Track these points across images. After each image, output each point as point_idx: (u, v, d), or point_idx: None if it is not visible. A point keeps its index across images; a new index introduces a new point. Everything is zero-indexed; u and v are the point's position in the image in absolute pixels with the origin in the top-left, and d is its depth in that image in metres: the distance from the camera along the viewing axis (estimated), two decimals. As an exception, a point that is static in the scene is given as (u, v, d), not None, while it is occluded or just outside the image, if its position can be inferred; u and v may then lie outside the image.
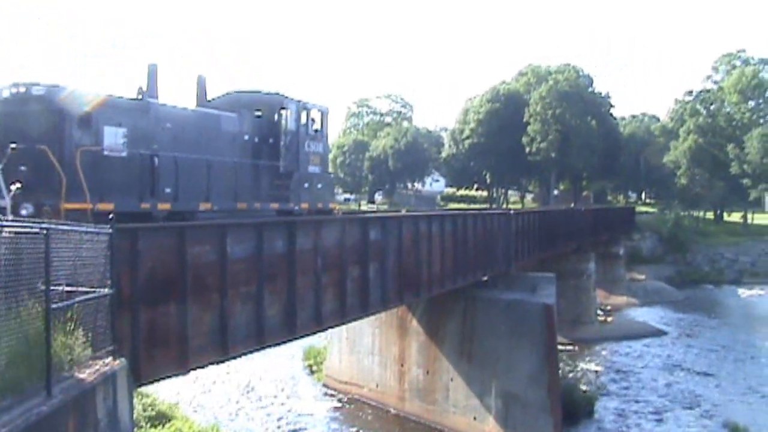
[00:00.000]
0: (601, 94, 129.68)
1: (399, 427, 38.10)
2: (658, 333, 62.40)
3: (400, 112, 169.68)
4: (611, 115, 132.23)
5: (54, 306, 10.77)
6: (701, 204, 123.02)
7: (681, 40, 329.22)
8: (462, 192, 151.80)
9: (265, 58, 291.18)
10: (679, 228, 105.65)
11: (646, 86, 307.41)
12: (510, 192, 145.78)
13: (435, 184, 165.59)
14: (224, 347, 18.28)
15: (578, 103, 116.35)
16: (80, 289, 12.04)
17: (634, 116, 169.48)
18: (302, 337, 23.62)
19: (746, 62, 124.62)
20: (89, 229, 12.68)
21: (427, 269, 30.82)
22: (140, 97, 23.02)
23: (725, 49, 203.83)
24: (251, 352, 20.46)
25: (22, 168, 18.73)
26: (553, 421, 33.54)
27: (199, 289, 17.31)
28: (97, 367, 12.29)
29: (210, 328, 17.83)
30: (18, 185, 17.46)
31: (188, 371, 17.55)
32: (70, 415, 10.64)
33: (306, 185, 31.08)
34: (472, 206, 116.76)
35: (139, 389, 23.83)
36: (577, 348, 55.40)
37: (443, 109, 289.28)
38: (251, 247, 19.34)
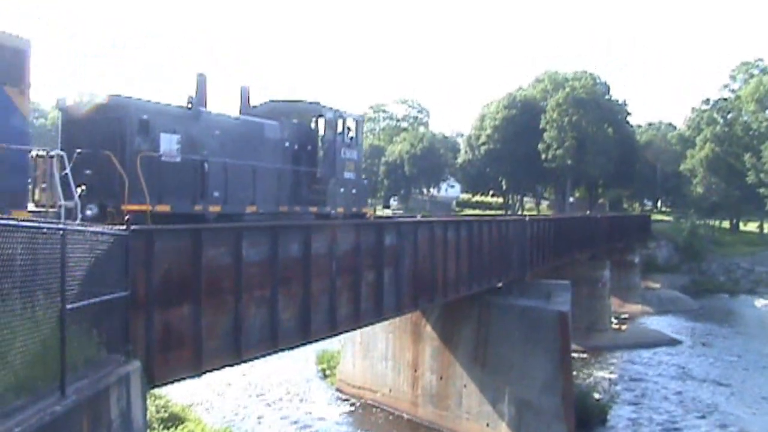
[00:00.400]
0: (617, 101, 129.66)
1: (411, 433, 38.13)
2: (673, 342, 62.26)
3: (417, 117, 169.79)
4: (628, 122, 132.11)
5: (69, 307, 10.78)
6: (717, 213, 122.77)
7: (699, 48, 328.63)
8: (477, 198, 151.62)
9: (263, 61, 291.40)
10: (695, 237, 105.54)
11: (664, 94, 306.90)
12: (525, 198, 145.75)
13: (450, 190, 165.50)
14: (238, 350, 18.29)
15: (595, 110, 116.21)
16: (96, 290, 12.07)
17: (650, 124, 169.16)
18: (316, 341, 23.69)
19: (764, 71, 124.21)
20: (105, 231, 12.71)
21: (441, 275, 30.81)
22: (190, 105, 24.38)
23: (743, 57, 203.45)
24: (265, 355, 20.46)
25: (87, 171, 19.70)
26: (567, 429, 33.50)
27: (213, 292, 17.33)
28: (111, 368, 12.31)
29: (224, 331, 17.85)
30: (83, 187, 18.43)
31: (202, 374, 17.58)
32: (84, 415, 10.67)
33: (342, 190, 32.20)
34: (488, 212, 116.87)
35: (153, 391, 23.85)
36: (591, 355, 55.30)
37: (459, 114, 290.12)
38: (266, 250, 19.36)
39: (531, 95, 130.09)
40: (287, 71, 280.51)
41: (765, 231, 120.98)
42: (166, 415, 31.91)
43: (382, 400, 40.93)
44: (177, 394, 35.98)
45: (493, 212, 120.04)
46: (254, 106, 31.38)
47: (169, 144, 23.12)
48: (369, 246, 25.26)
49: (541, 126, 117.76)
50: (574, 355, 43.99)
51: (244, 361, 19.58)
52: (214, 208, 24.09)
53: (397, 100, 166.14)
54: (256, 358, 20.24)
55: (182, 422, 31.96)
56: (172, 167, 22.99)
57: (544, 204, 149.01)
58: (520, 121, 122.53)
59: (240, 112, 29.48)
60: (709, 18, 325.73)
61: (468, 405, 36.67)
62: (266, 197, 27.19)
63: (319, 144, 32.00)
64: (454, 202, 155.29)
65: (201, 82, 25.62)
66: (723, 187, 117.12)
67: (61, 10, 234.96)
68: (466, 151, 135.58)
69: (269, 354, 20.58)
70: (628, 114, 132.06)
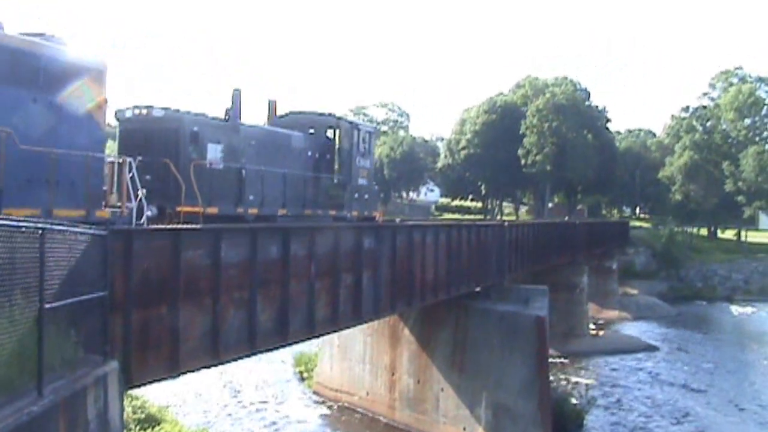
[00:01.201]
0: (597, 108, 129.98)
1: (388, 436, 38.14)
2: (650, 348, 62.50)
3: (397, 120, 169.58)
4: (607, 129, 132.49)
5: (47, 306, 10.76)
6: (695, 220, 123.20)
7: (679, 56, 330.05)
8: (457, 202, 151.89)
9: (263, 61, 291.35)
10: (673, 244, 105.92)
11: (643, 102, 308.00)
12: (504, 203, 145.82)
13: (430, 194, 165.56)
14: (216, 352, 18.28)
15: (575, 116, 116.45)
16: (74, 290, 12.05)
17: (630, 131, 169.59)
18: (294, 343, 23.73)
19: (743, 80, 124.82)
20: (84, 230, 12.69)
21: (420, 279, 30.86)
22: (227, 117, 28.08)
23: (723, 66, 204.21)
24: (243, 357, 20.45)
25: (147, 177, 22.19)
26: (543, 434, 33.59)
27: (192, 293, 17.31)
28: (89, 368, 12.28)
29: (202, 332, 17.82)
30: (144, 191, 20.77)
31: (179, 375, 17.55)
32: (61, 415, 10.64)
33: (356, 195, 36.21)
34: (467, 217, 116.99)
35: (130, 391, 23.80)
36: (568, 361, 55.44)
37: (440, 118, 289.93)
38: (245, 252, 19.36)
39: (511, 100, 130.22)
40: (285, 74, 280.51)
41: (742, 239, 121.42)
42: (143, 416, 31.79)
43: (360, 403, 40.93)
44: (154, 395, 35.91)
45: (472, 217, 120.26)
46: (280, 116, 35.73)
47: (214, 153, 26.76)
48: (348, 249, 25.30)
49: (521, 131, 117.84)
50: (552, 360, 44.08)
51: (222, 363, 19.56)
52: (253, 211, 28.05)
53: (377, 104, 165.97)
54: (234, 359, 20.24)
55: (159, 423, 31.85)
56: (217, 173, 26.65)
57: (523, 209, 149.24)
58: (500, 127, 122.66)
59: (268, 123, 33.79)
60: (690, 26, 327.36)
61: (445, 409, 36.70)
62: (294, 201, 31.11)
63: (337, 153, 35.82)
64: (433, 207, 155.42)
65: (236, 97, 28.82)
66: (701, 195, 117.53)
67: (60, 10, 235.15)
68: (445, 156, 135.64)
69: (247, 356, 20.57)
70: (608, 120, 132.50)
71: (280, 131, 32.67)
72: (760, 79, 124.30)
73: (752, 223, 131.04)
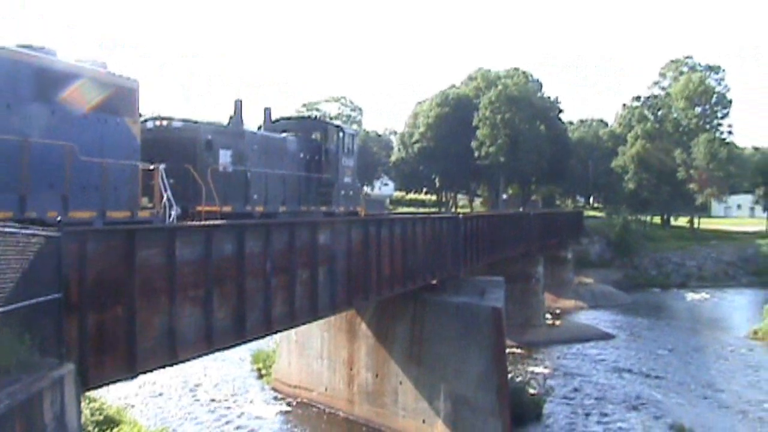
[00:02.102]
0: (550, 99, 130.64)
1: (348, 431, 38.11)
2: (606, 336, 62.94)
3: (350, 115, 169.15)
4: (560, 119, 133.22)
5: (0, 309, 10.68)
6: (649, 209, 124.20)
7: (629, 45, 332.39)
8: (411, 196, 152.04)
9: (216, 58, 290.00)
10: (627, 232, 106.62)
11: (595, 91, 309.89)
12: (459, 196, 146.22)
13: (384, 188, 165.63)
14: (173, 351, 18.19)
15: (527, 107, 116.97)
16: (28, 292, 11.96)
17: (582, 121, 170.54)
18: (251, 340, 23.61)
19: (693, 68, 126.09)
20: (36, 232, 12.60)
21: (376, 273, 30.86)
22: (229, 124, 32.88)
23: (672, 55, 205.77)
24: (200, 355, 20.36)
25: (171, 181, 25.31)
26: (502, 424, 33.67)
27: (147, 293, 17.21)
28: (45, 371, 12.20)
29: (158, 332, 17.73)
30: (169, 193, 24.52)
31: (136, 375, 17.45)
32: (17, 420, 10.54)
33: (342, 193, 41.34)
34: (422, 210, 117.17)
35: (87, 393, 23.66)
36: (525, 351, 55.74)
37: (393, 112, 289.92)
38: (200, 250, 19.26)
39: (464, 93, 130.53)
40: (228, 69, 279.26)
41: (695, 226, 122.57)
42: (101, 417, 31.52)
43: (319, 398, 40.91)
44: (112, 396, 35.69)
45: (427, 210, 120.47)
46: (273, 121, 40.36)
47: (225, 158, 30.78)
48: (303, 244, 25.27)
49: (474, 124, 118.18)
50: (509, 350, 44.32)
51: (180, 362, 19.43)
52: (259, 208, 32.36)
53: (329, 98, 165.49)
54: (192, 358, 20.12)
55: (118, 425, 31.61)
56: (228, 176, 30.66)
57: (478, 201, 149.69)
58: (453, 119, 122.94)
59: (264, 129, 37.84)
60: (640, 16, 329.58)
61: (404, 402, 36.76)
62: (291, 199, 35.98)
63: (324, 154, 39.89)
64: (387, 200, 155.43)
65: (238, 106, 33.70)
66: (654, 183, 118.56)
67: (60, 12, 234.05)
68: (399, 149, 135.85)
69: (205, 354, 20.47)
70: (561, 111, 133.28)
71: (277, 136, 37.05)
72: (710, 68, 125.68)
73: (705, 211, 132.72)
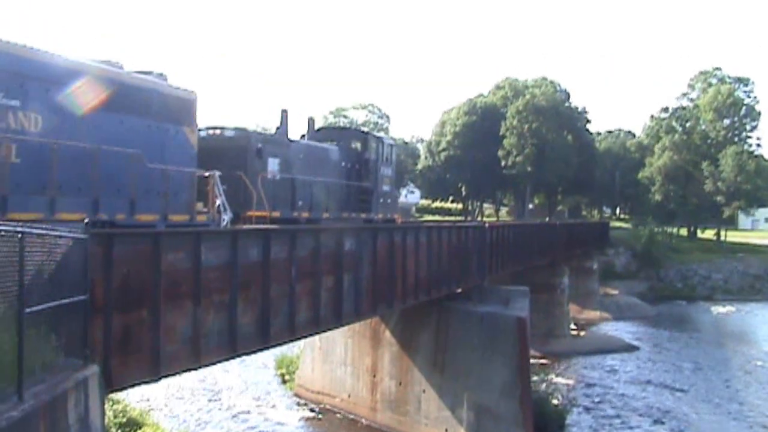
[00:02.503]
0: (577, 108, 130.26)
1: (370, 438, 38.13)
2: (630, 348, 62.68)
3: (377, 122, 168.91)
4: (587, 130, 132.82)
5: (27, 310, 10.73)
6: (675, 220, 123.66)
7: (659, 56, 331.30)
8: (437, 204, 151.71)
9: (245, 61, 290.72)
10: (653, 244, 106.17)
11: (623, 102, 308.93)
12: (485, 205, 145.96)
13: (410, 196, 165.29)
14: (197, 355, 18.23)
15: (554, 117, 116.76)
16: (55, 293, 12.01)
17: (610, 132, 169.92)
18: (275, 346, 23.67)
19: (722, 80, 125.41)
20: (64, 234, 12.65)
21: (401, 281, 30.85)
22: (275, 134, 34.79)
23: (701, 66, 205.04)
24: (224, 360, 20.42)
25: (223, 187, 26.20)
26: (525, 434, 33.63)
27: (172, 297, 17.26)
28: (69, 372, 12.25)
29: (183, 336, 17.78)
30: (222, 198, 25.86)
31: (160, 378, 17.50)
32: (41, 420, 10.59)
33: (381, 200, 42.72)
34: (447, 218, 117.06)
35: (111, 395, 23.75)
36: (549, 361, 55.53)
37: (420, 120, 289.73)
38: (225, 255, 19.30)
39: (491, 102, 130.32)
40: (264, 75, 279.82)
41: (722, 238, 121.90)
42: (124, 419, 31.70)
43: (341, 405, 40.91)
44: (135, 398, 35.82)
45: (452, 218, 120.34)
46: (317, 130, 42.54)
47: (273, 165, 32.37)
48: (329, 251, 25.29)
49: (501, 133, 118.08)
50: (533, 360, 44.08)
51: (203, 366, 19.50)
52: (304, 214, 33.91)
53: (357, 105, 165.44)
54: (215, 362, 20.19)
55: (140, 427, 31.80)
56: (276, 183, 32.14)
57: (504, 210, 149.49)
58: (480, 128, 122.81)
59: (307, 138, 39.07)
60: (669, 27, 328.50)
61: (427, 410, 36.71)
62: (334, 206, 37.14)
63: (366, 164, 41.22)
64: (413, 208, 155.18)
65: (284, 116, 35.57)
66: (681, 195, 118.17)
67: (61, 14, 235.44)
68: (426, 157, 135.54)
69: (228, 359, 20.53)
70: (588, 121, 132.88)
71: (321, 146, 38.64)
72: (739, 80, 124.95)
73: (731, 223, 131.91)
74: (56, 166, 19.12)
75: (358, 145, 42.24)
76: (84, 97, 20.68)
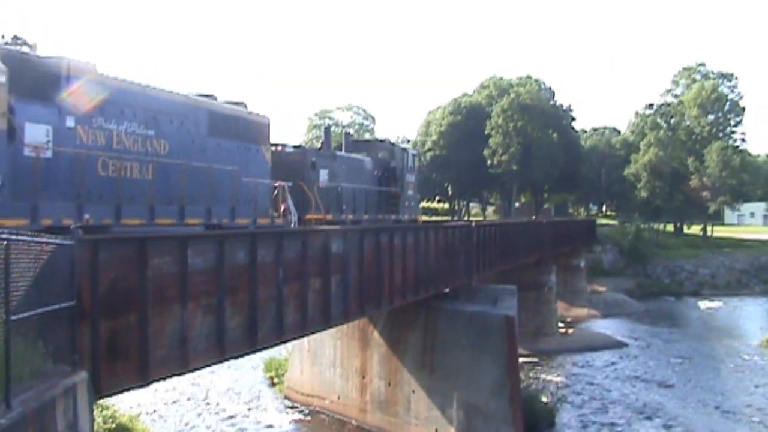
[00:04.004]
0: (562, 106, 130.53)
1: (360, 440, 38.12)
2: (619, 345, 62.80)
3: (362, 123, 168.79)
4: (572, 127, 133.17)
5: (13, 318, 10.70)
6: (661, 216, 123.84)
7: (643, 53, 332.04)
8: (423, 204, 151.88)
9: (231, 64, 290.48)
10: (640, 240, 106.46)
11: (608, 100, 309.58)
12: (471, 204, 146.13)
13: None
14: (185, 359, 18.21)
15: (540, 115, 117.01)
16: (41, 300, 11.98)
17: (595, 129, 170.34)
18: (264, 349, 23.73)
19: (706, 76, 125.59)
20: (50, 240, 12.63)
21: (388, 281, 30.88)
22: (321, 148, 41.38)
23: (685, 62, 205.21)
24: (212, 364, 20.40)
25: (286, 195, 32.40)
26: (515, 433, 33.68)
27: (160, 301, 17.24)
28: (58, 379, 12.22)
29: (171, 340, 17.76)
30: (288, 203, 32.29)
31: (149, 383, 17.48)
32: (30, 427, 10.56)
33: (407, 203, 48.36)
34: (434, 218, 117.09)
35: (100, 401, 23.70)
36: (538, 359, 55.63)
37: (405, 121, 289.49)
38: (212, 258, 19.29)
39: (476, 101, 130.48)
40: (248, 78, 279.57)
41: (708, 234, 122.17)
42: (114, 425, 31.63)
43: (331, 407, 40.91)
44: (124, 404, 35.75)
45: (439, 218, 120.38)
46: (354, 141, 51.06)
47: (323, 176, 37.78)
48: (316, 253, 25.31)
49: (486, 132, 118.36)
50: (522, 359, 44.20)
51: (192, 370, 19.50)
52: (349, 216, 39.24)
53: (342, 107, 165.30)
54: (204, 366, 20.16)
55: (130, 433, 31.77)
56: (326, 190, 37.43)
57: (490, 209, 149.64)
58: (465, 127, 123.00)
59: (345, 150, 44.65)
60: (652, 23, 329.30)
61: (416, 411, 36.73)
62: (371, 209, 42.81)
63: (394, 172, 46.82)
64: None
65: (328, 132, 43.99)
66: (667, 191, 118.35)
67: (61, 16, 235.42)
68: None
69: (217, 362, 20.52)
70: (573, 119, 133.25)
71: (358, 157, 44.00)
72: (723, 75, 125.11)
73: (718, 218, 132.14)
74: (184, 181, 24.83)
75: (386, 155, 47.74)
76: (193, 125, 26.50)
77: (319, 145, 46.95)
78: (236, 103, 30.53)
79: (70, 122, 20.84)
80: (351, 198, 40.42)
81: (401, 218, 46.74)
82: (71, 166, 20.59)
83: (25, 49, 20.71)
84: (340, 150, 44.97)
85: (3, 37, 20.46)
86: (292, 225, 31.81)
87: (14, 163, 18.69)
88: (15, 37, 20.63)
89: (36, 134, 19.56)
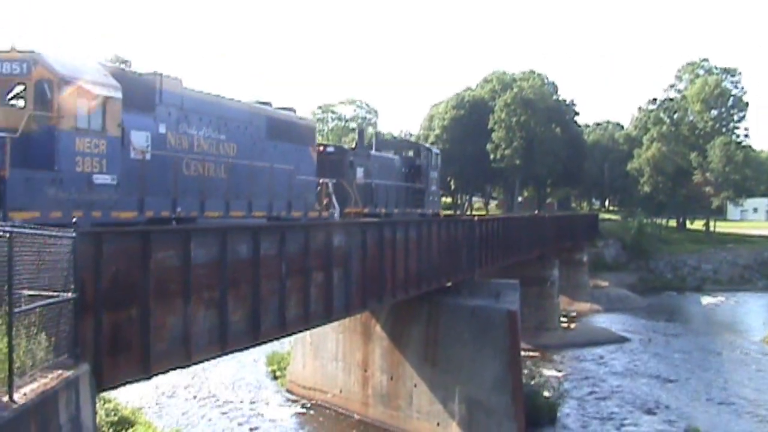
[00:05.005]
0: (565, 101, 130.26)
1: (362, 433, 38.13)
2: (621, 340, 62.83)
3: (365, 117, 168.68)
4: (575, 122, 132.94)
5: (16, 310, 10.71)
6: (664, 212, 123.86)
7: (646, 48, 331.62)
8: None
9: (233, 57, 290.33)
10: (642, 235, 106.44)
11: (611, 94, 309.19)
12: (474, 198, 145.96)
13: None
14: (187, 353, 18.23)
15: (543, 110, 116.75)
16: (43, 293, 11.99)
17: (598, 124, 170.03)
18: (266, 342, 23.70)
19: (709, 71, 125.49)
20: (53, 233, 12.63)
21: (390, 275, 30.90)
22: (355, 147, 44.12)
23: (688, 57, 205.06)
24: (214, 357, 20.40)
25: (330, 191, 35.90)
26: (517, 427, 33.70)
27: (162, 294, 17.25)
28: (60, 372, 12.22)
29: (173, 334, 17.77)
30: (330, 198, 35.88)
31: (151, 376, 17.49)
32: (32, 420, 10.57)
33: (430, 198, 52.11)
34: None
35: (102, 394, 23.72)
36: (540, 354, 55.64)
37: (408, 115, 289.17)
38: (215, 252, 19.30)
39: (479, 95, 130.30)
40: (252, 72, 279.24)
41: (711, 229, 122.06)
42: (116, 418, 31.64)
43: (333, 400, 40.92)
44: (127, 397, 35.77)
45: (442, 212, 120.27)
46: (384, 140, 58.79)
47: (359, 173, 41.05)
48: (318, 247, 25.32)
49: (489, 126, 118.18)
50: (524, 353, 44.16)
51: (194, 364, 19.50)
52: (383, 210, 42.66)
53: (345, 101, 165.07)
54: (206, 360, 20.19)
55: (132, 426, 31.72)
56: (362, 186, 40.66)
57: (493, 204, 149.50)
58: (468, 122, 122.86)
59: (375, 149, 48.30)
60: (656, 18, 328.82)
61: (418, 404, 36.75)
62: (400, 203, 46.42)
63: (419, 168, 50.50)
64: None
65: (361, 134, 50.09)
66: (670, 186, 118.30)
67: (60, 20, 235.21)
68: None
69: (219, 356, 20.51)
70: (576, 114, 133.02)
71: (387, 156, 48.14)
72: (726, 71, 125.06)
73: (720, 214, 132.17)
74: (252, 179, 28.24)
75: (411, 153, 52.30)
76: (254, 129, 29.92)
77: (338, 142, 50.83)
78: (287, 109, 34.38)
79: (162, 129, 24.42)
80: (383, 193, 43.83)
81: (426, 212, 50.00)
82: (165, 167, 23.96)
83: (123, 65, 25.01)
84: (371, 149, 48.35)
85: (107, 57, 25.15)
86: (335, 217, 35.19)
87: (125, 165, 21.80)
88: (117, 57, 26.25)
89: (139, 140, 23.12)
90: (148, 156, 23.23)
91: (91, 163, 20.28)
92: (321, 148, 38.87)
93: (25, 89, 19.54)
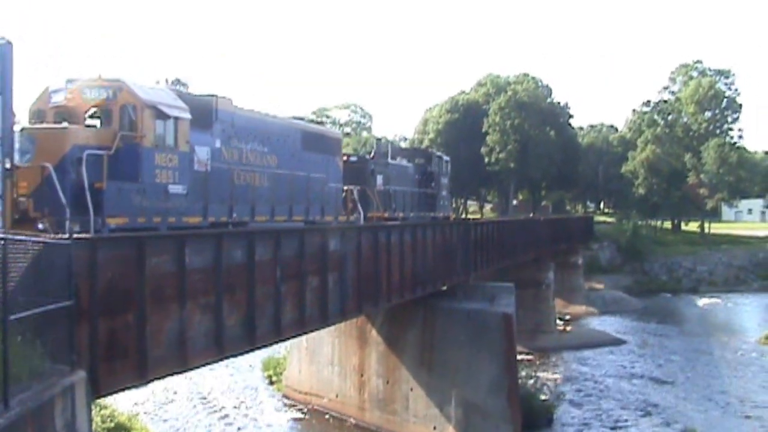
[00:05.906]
0: (559, 104, 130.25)
1: (359, 438, 38.12)
2: (617, 342, 62.84)
3: (360, 122, 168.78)
4: (570, 125, 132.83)
5: (12, 317, 10.71)
6: (659, 213, 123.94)
7: (640, 50, 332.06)
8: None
9: (228, 61, 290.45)
10: (637, 237, 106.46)
11: (605, 97, 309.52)
12: (469, 202, 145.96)
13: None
14: (183, 358, 18.24)
15: (537, 113, 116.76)
16: (39, 299, 11.98)
17: (592, 126, 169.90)
18: (262, 347, 23.72)
19: (703, 73, 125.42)
20: (48, 240, 12.65)
21: (386, 279, 30.93)
22: (373, 156, 45.76)
23: (682, 59, 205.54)
24: (211, 362, 20.44)
25: (354, 197, 38.57)
26: (513, 430, 33.74)
27: (157, 300, 17.26)
28: (56, 378, 12.22)
29: (169, 339, 17.78)
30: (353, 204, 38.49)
31: (147, 382, 17.51)
32: (28, 427, 10.57)
33: (441, 203, 54.54)
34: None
35: (98, 400, 23.70)
36: (536, 357, 55.67)
37: (402, 119, 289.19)
38: (210, 257, 19.33)
39: (473, 99, 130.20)
40: (246, 78, 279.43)
41: (706, 231, 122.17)
42: (112, 425, 31.61)
43: (329, 405, 40.91)
44: (123, 403, 35.74)
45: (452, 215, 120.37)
46: (399, 149, 61.70)
47: (379, 181, 43.39)
48: (313, 251, 25.35)
49: (483, 129, 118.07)
50: (520, 356, 44.29)
51: (190, 369, 19.55)
52: (400, 214, 44.73)
53: (340, 105, 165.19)
54: (202, 365, 20.20)
55: (129, 431, 31.73)
56: (382, 193, 42.95)
57: (488, 207, 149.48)
58: (462, 125, 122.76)
59: (390, 157, 48.64)
60: (649, 21, 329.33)
61: (415, 408, 36.76)
62: (414, 207, 48.44)
63: (431, 175, 52.45)
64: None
65: (380, 144, 52.25)
66: (664, 188, 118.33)
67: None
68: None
69: (215, 361, 20.60)
70: (570, 116, 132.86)
71: (403, 164, 50.10)
72: (719, 72, 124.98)
73: (715, 215, 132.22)
74: (292, 187, 31.04)
75: (423, 161, 53.79)
76: (291, 141, 32.36)
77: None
78: (318, 123, 41.28)
79: (218, 144, 27.02)
80: (400, 198, 46.04)
81: (437, 215, 52.43)
82: (221, 177, 26.62)
83: (181, 87, 27.42)
84: (388, 157, 49.26)
85: (167, 80, 27.37)
86: (360, 221, 37.36)
87: (192, 177, 24.46)
88: (176, 80, 28.12)
89: (202, 154, 25.66)
90: (209, 168, 25.98)
91: (167, 175, 23.10)
92: (345, 157, 40.82)
93: (104, 112, 22.58)
